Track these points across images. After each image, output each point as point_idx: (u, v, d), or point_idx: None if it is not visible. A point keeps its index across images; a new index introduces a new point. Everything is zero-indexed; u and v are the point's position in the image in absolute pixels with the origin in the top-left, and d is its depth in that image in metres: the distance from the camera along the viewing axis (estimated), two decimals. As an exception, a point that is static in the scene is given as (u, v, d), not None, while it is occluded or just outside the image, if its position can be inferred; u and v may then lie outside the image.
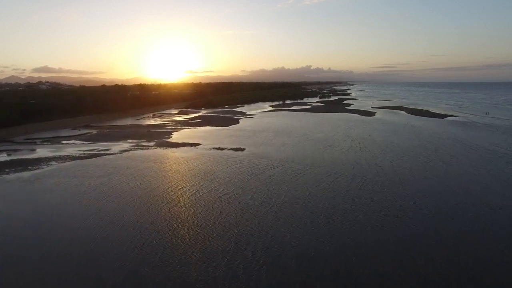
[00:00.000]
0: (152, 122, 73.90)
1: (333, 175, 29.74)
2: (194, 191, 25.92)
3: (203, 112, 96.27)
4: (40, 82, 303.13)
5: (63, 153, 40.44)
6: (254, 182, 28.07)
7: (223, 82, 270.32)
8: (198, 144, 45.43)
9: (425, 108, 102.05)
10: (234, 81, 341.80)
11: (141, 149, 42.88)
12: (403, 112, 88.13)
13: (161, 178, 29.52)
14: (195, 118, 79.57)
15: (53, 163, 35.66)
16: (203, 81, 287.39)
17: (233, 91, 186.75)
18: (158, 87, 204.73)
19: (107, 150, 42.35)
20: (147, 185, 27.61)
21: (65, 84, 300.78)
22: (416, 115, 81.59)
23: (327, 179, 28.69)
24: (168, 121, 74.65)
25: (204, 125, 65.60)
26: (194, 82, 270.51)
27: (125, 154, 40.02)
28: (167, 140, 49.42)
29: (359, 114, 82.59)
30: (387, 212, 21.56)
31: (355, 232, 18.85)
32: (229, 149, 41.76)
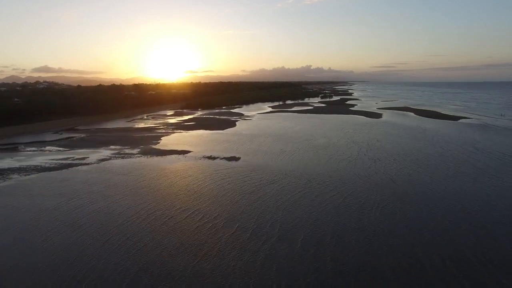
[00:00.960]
0: (143, 124, 68.95)
1: (341, 195, 24.72)
2: (169, 217, 20.94)
3: (198, 113, 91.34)
4: (37, 82, 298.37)
5: (31, 163, 35.50)
6: (245, 204, 23.09)
7: (222, 82, 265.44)
8: (188, 152, 40.46)
9: (433, 109, 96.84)
10: (234, 80, 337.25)
11: (122, 158, 37.93)
12: (411, 114, 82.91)
13: (133, 198, 24.56)
14: (189, 120, 74.61)
15: (14, 176, 30.71)
16: (203, 81, 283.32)
17: (232, 91, 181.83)
18: (156, 87, 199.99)
19: (83, 159, 37.42)
20: (114, 207, 22.64)
21: (63, 84, 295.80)
22: (426, 116, 76.37)
23: (334, 200, 23.67)
24: (160, 123, 69.70)
25: (198, 129, 60.61)
26: (194, 82, 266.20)
27: (101, 164, 35.07)
28: (153, 146, 44.45)
29: (365, 116, 77.45)
30: (413, 257, 16.54)
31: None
32: (221, 158, 36.80)
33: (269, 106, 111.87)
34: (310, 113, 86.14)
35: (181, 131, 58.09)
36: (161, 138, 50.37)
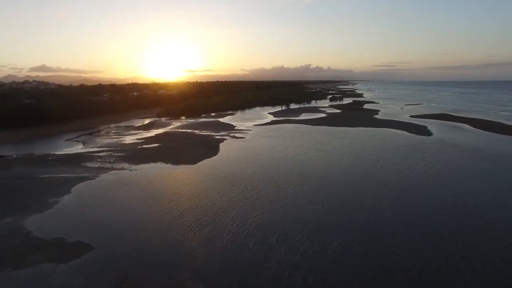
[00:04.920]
0: (80, 147, 46.00)
1: None
2: None
3: (177, 124, 68.49)
4: (26, 82, 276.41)
5: None
6: None
7: (219, 82, 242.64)
8: (75, 256, 17.74)
9: (484, 117, 74.11)
10: (233, 80, 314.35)
11: None
12: (467, 126, 59.92)
13: None
14: (155, 138, 51.50)
15: None
16: (202, 80, 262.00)
17: (227, 92, 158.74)
18: (146, 86, 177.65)
19: None
20: None
21: (53, 84, 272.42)
22: (493, 131, 53.61)
23: None
24: (108, 145, 46.60)
25: (156, 159, 37.81)
26: (192, 81, 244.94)
27: None
28: (25, 234, 21.55)
29: (406, 131, 54.47)
30: None
31: None
32: None
33: (269, 113, 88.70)
34: (326, 125, 62.94)
35: (125, 166, 35.10)
36: (72, 190, 27.35)
